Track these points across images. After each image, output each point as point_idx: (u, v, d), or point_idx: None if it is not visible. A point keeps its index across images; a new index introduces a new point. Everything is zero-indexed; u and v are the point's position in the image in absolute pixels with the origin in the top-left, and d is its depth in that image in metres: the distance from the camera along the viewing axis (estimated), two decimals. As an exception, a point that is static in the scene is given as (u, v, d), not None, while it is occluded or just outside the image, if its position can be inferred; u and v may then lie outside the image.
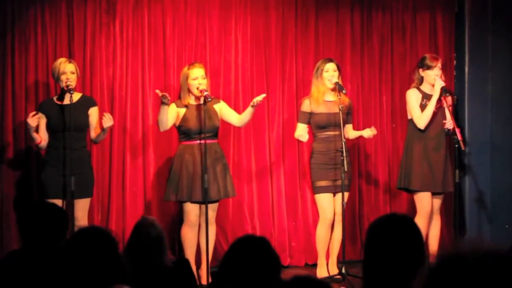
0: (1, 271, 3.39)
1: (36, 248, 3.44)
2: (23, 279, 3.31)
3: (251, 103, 5.92)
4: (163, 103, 5.80)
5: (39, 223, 3.48)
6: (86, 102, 5.89)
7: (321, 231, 6.27)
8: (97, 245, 2.67)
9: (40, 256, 3.36)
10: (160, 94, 5.79)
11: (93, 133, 5.87)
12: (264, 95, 5.96)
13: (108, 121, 5.68)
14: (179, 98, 6.08)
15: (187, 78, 5.99)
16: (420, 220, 6.10)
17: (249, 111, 6.01)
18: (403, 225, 2.48)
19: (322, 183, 6.19)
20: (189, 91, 5.99)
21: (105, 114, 5.74)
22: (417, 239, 2.48)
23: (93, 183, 5.93)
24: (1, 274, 3.38)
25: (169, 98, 5.79)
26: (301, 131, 6.20)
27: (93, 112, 5.87)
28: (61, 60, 5.80)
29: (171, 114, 5.96)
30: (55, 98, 5.88)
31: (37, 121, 5.61)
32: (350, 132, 6.33)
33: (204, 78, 5.97)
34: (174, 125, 6.04)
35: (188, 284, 3.90)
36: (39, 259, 3.35)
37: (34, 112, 5.67)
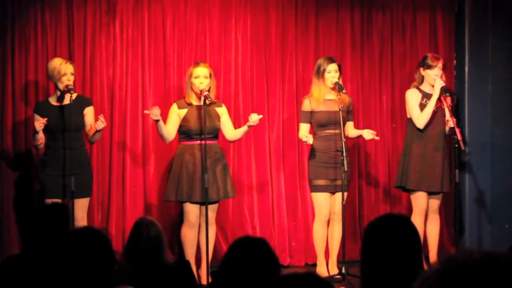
0: (1, 275, 3.40)
1: (37, 249, 3.44)
2: (23, 281, 3.31)
3: (248, 123, 5.94)
4: (156, 120, 5.81)
5: (42, 222, 3.50)
6: (81, 102, 5.87)
7: (318, 228, 6.27)
8: (90, 245, 2.67)
9: (40, 257, 3.37)
10: (148, 112, 5.80)
11: (88, 133, 5.86)
12: (261, 116, 5.94)
13: (100, 124, 5.67)
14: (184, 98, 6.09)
15: (190, 76, 6.00)
16: (416, 219, 6.15)
17: (243, 130, 6.04)
18: (400, 225, 2.48)
19: (320, 181, 6.20)
20: (192, 89, 6.00)
21: (100, 116, 5.73)
22: (415, 239, 2.48)
23: (92, 182, 5.93)
24: (1, 278, 3.39)
25: (157, 113, 5.75)
26: (304, 133, 6.20)
27: (89, 112, 5.86)
28: (60, 61, 5.78)
29: (173, 120, 5.98)
30: (50, 99, 5.87)
31: (43, 126, 5.61)
32: (350, 131, 6.33)
33: (206, 78, 5.96)
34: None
35: (189, 286, 3.90)
36: (38, 260, 3.35)
37: (43, 119, 5.64)
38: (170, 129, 5.97)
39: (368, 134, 6.16)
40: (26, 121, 6.21)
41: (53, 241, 3.33)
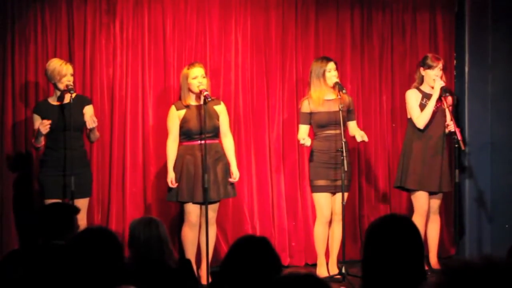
0: (2, 271, 3.40)
1: (37, 248, 3.44)
2: (26, 278, 3.32)
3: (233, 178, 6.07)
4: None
5: (47, 221, 3.51)
6: (81, 101, 5.87)
7: (319, 229, 6.27)
8: (102, 245, 2.67)
9: (41, 255, 3.37)
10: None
11: (88, 131, 5.86)
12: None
13: (91, 123, 5.66)
14: (180, 99, 6.09)
15: (187, 77, 5.99)
16: (417, 219, 6.16)
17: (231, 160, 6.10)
18: (402, 226, 2.48)
19: (321, 182, 6.20)
20: (190, 90, 6.00)
21: (90, 116, 5.71)
22: (416, 240, 2.48)
23: (92, 182, 5.93)
24: (2, 274, 3.39)
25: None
26: (304, 134, 6.19)
27: (88, 111, 5.85)
28: (60, 62, 5.76)
29: (175, 121, 5.97)
30: (50, 99, 5.85)
31: (48, 128, 5.59)
32: (354, 130, 6.30)
33: (204, 77, 5.97)
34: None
35: (190, 285, 3.91)
36: (40, 258, 3.35)
37: (47, 121, 5.62)
38: (176, 134, 5.98)
39: (358, 137, 6.13)
40: (26, 121, 6.20)
41: (60, 239, 3.35)
